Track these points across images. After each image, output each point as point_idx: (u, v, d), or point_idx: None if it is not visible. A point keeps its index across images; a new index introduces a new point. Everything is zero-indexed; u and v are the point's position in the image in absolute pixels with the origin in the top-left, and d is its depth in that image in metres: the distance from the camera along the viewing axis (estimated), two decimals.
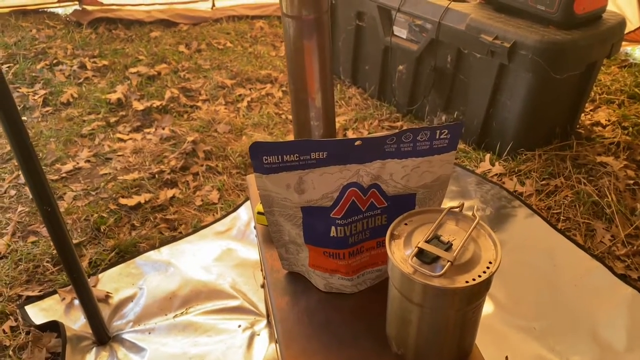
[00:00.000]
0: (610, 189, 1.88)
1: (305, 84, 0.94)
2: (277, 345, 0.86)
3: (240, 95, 2.66)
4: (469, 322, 0.72)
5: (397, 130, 0.85)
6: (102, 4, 3.55)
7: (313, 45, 0.90)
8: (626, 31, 2.13)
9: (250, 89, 2.72)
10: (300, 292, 0.91)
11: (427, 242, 0.67)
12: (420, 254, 0.66)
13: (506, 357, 1.27)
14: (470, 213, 0.74)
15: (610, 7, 1.98)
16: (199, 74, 2.86)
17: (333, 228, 0.81)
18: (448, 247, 0.66)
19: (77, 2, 3.55)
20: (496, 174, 2.02)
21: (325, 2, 0.87)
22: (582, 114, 2.29)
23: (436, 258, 0.65)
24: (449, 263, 0.64)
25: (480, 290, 0.66)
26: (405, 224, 0.73)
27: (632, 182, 1.94)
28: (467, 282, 0.63)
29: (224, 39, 3.29)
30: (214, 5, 3.72)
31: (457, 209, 0.74)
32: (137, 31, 3.37)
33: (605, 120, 2.31)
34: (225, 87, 2.71)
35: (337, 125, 2.33)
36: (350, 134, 2.32)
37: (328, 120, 1.00)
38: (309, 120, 0.98)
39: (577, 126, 2.23)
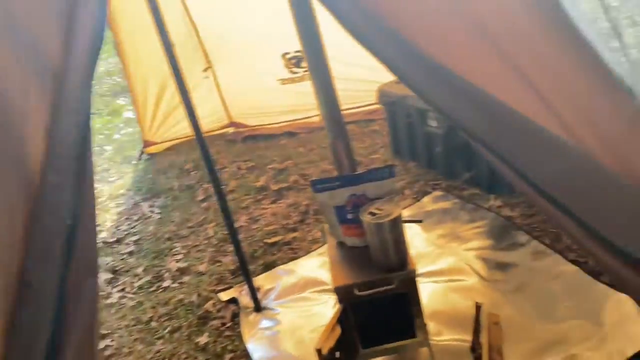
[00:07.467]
0: None
1: None
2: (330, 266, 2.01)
3: None
4: (395, 238, 1.83)
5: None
6: (247, 126, 5.20)
7: None
8: None
9: None
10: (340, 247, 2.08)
11: (370, 212, 1.83)
12: (369, 213, 1.82)
13: (477, 304, 2.24)
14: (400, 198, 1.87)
15: None
16: (311, 165, 4.24)
17: (348, 215, 1.98)
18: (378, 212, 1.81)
19: (231, 127, 5.25)
20: (498, 206, 2.99)
21: None
22: None
23: (373, 214, 1.80)
24: (374, 216, 1.78)
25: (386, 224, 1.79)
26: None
27: None
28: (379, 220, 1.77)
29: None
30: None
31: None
32: (271, 141, 4.92)
33: None
34: (328, 171, 4.03)
35: (402, 183, 3.47)
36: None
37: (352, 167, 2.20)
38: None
39: None
